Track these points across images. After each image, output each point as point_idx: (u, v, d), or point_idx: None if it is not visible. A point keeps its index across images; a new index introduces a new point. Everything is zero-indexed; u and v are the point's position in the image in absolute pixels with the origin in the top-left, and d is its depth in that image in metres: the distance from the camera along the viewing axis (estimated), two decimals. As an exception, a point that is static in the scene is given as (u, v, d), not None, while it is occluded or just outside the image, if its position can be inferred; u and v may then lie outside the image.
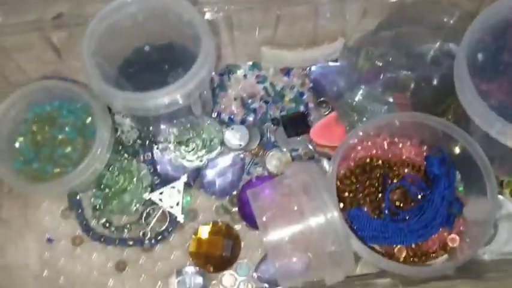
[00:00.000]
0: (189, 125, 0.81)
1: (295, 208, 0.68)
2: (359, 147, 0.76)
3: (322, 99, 0.87)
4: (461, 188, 0.75)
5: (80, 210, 0.81)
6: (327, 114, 0.86)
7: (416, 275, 0.67)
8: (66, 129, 0.77)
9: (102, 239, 0.79)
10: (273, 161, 0.83)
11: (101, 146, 0.74)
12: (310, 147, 0.84)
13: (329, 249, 0.64)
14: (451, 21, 0.79)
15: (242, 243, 0.80)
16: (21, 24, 0.77)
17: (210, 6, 0.78)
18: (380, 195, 0.74)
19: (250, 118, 0.87)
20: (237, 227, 0.81)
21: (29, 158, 0.76)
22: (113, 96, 0.67)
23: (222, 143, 0.83)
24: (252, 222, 0.80)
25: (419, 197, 0.72)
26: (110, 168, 0.79)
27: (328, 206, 0.64)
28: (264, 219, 0.68)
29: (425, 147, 0.77)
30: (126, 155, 0.82)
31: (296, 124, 0.85)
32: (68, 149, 0.76)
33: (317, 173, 0.69)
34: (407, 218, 0.71)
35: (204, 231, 0.80)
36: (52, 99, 0.79)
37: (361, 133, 0.72)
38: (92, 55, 0.69)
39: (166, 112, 0.68)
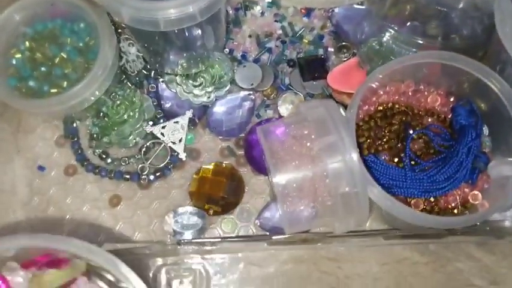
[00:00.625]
0: (198, 58, 0.75)
1: (309, 152, 0.62)
2: (381, 92, 0.71)
3: (343, 43, 0.80)
4: (488, 143, 0.69)
5: (75, 139, 0.75)
6: (347, 60, 0.79)
7: (439, 226, 0.61)
8: (67, 48, 0.71)
9: (97, 171, 0.74)
10: (286, 104, 0.77)
11: (103, 67, 0.68)
12: (327, 93, 0.78)
13: (342, 191, 0.59)
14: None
15: (246, 188, 0.74)
16: None
17: None
18: (400, 143, 0.68)
19: (265, 57, 0.80)
20: (242, 170, 0.75)
21: (25, 75, 0.70)
22: (121, 3, 0.60)
23: (233, 80, 0.78)
24: (258, 166, 0.75)
25: (443, 148, 0.66)
26: (111, 96, 0.73)
27: (346, 144, 0.59)
28: (275, 160, 0.63)
29: (452, 98, 0.71)
30: (129, 85, 0.76)
31: (313, 68, 0.79)
32: (68, 69, 0.70)
33: (334, 108, 0.63)
34: (427, 168, 0.65)
35: (207, 171, 0.74)
36: (55, 16, 0.73)
37: (385, 73, 0.66)
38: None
39: (179, 29, 0.62)
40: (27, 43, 0.72)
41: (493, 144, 0.69)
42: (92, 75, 0.67)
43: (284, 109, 0.77)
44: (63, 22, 0.73)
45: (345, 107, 0.76)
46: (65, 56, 0.71)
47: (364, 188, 0.59)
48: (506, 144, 0.67)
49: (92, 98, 0.69)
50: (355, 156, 0.58)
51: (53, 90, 0.70)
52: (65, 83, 0.70)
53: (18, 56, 0.72)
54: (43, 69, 0.70)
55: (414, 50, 0.72)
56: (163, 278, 0.60)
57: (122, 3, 0.60)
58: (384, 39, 0.74)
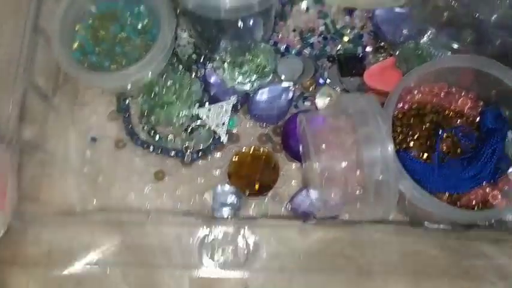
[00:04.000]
0: (246, 47, 0.81)
1: (345, 145, 0.67)
2: (415, 91, 0.75)
3: (381, 44, 0.85)
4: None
5: (127, 115, 0.81)
6: (384, 60, 0.84)
7: (463, 218, 0.66)
8: (127, 28, 0.77)
9: (145, 146, 0.79)
10: (323, 98, 0.82)
11: (161, 49, 0.73)
12: (363, 90, 0.83)
13: (376, 178, 0.64)
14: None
15: (281, 173, 0.79)
16: None
17: None
18: (429, 142, 0.73)
19: (307, 51, 0.85)
20: (277, 156, 0.80)
21: (88, 50, 0.76)
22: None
23: (275, 71, 0.83)
24: (293, 154, 0.80)
25: (470, 148, 0.71)
26: (163, 77, 0.79)
27: (383, 134, 0.63)
28: (314, 145, 0.67)
29: (481, 103, 0.75)
30: (180, 68, 0.82)
31: (352, 64, 0.84)
32: (128, 47, 0.76)
33: (374, 102, 0.68)
34: (454, 166, 0.70)
35: (246, 154, 0.79)
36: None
37: (421, 74, 0.71)
38: None
39: (233, 19, 0.66)
40: (91, 20, 0.77)
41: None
42: (151, 55, 0.72)
43: (321, 102, 0.82)
44: (125, 4, 0.79)
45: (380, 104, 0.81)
46: (125, 36, 0.77)
47: (396, 178, 0.64)
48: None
49: (149, 77, 0.74)
50: (390, 147, 0.63)
51: (113, 66, 0.76)
52: (124, 60, 0.76)
53: (83, 31, 0.77)
54: (104, 46, 0.76)
55: (449, 53, 0.76)
56: (206, 246, 0.66)
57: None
58: (421, 41, 0.78)
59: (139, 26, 0.77)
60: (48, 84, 0.76)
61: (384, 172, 0.63)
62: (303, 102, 0.83)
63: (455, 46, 0.75)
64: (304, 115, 0.71)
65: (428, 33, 0.78)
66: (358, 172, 0.66)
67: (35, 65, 0.72)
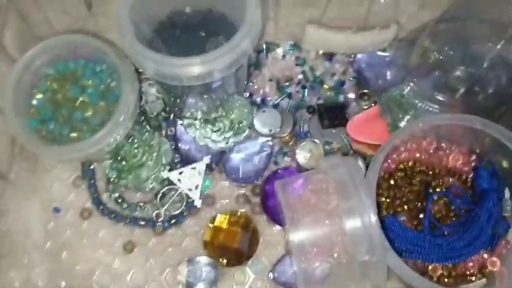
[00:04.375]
0: (218, 103, 0.75)
1: (327, 207, 0.62)
2: (402, 149, 0.70)
3: (364, 91, 0.80)
4: (509, 207, 0.67)
5: (92, 181, 0.75)
6: (368, 108, 0.79)
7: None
8: (89, 90, 0.71)
9: (113, 215, 0.74)
10: (304, 153, 0.76)
11: (125, 112, 0.67)
12: (346, 142, 0.77)
13: (361, 258, 0.58)
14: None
15: (261, 239, 0.73)
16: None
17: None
18: (419, 204, 0.67)
19: (284, 102, 0.80)
20: (257, 219, 0.74)
21: (46, 117, 0.70)
22: (146, 57, 0.61)
23: (251, 126, 0.77)
24: (274, 216, 0.74)
25: (463, 211, 0.65)
26: (130, 140, 0.73)
27: (366, 209, 0.58)
28: (291, 214, 0.62)
29: (474, 157, 0.70)
30: (148, 127, 0.76)
31: (333, 115, 0.78)
32: (88, 113, 0.70)
33: (356, 168, 0.62)
34: (447, 233, 0.65)
35: (222, 220, 0.73)
36: (77, 57, 0.73)
37: (407, 133, 0.65)
38: (129, 11, 0.63)
39: (199, 84, 0.61)
40: (48, 83, 0.72)
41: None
42: (114, 121, 0.66)
43: (302, 157, 0.76)
44: (85, 63, 0.73)
45: (364, 158, 0.76)
46: (86, 99, 0.71)
47: (383, 257, 0.58)
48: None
49: (112, 145, 0.68)
50: (375, 223, 0.57)
51: (72, 134, 0.70)
52: (85, 127, 0.70)
53: (40, 96, 0.72)
54: (64, 111, 0.70)
55: (436, 106, 0.71)
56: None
57: (147, 57, 0.60)
58: (405, 92, 0.73)
59: (101, 87, 0.71)
60: (3, 156, 0.70)
61: (369, 251, 0.57)
62: (283, 158, 0.78)
63: (441, 98, 0.70)
64: (280, 182, 0.65)
65: (412, 84, 0.72)
66: (345, 238, 0.60)
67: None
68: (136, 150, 0.74)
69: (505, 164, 0.67)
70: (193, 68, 0.60)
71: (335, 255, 0.61)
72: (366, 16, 0.78)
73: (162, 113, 0.77)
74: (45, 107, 0.70)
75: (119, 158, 0.74)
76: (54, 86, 0.72)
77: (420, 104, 0.71)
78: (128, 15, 0.63)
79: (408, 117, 0.74)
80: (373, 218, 0.57)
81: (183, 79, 0.60)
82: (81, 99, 0.71)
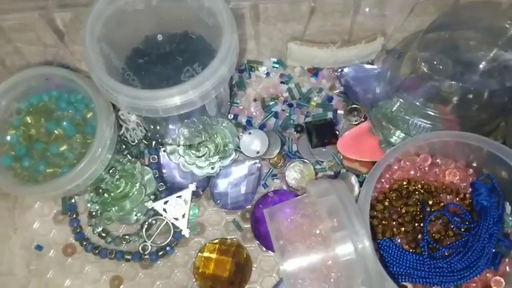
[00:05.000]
0: (201, 127, 0.72)
1: (318, 233, 0.58)
2: (395, 167, 0.67)
3: (353, 105, 0.76)
4: (511, 223, 0.64)
5: (74, 216, 0.72)
6: (358, 123, 0.76)
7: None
8: (64, 123, 0.68)
9: (97, 251, 0.70)
10: (294, 174, 0.73)
11: (102, 145, 0.64)
12: (337, 160, 0.74)
13: (358, 289, 0.55)
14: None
15: (254, 266, 0.70)
16: (22, 1, 0.68)
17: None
18: (417, 225, 0.64)
19: (271, 122, 0.77)
20: (249, 246, 0.71)
21: (20, 153, 0.67)
22: (118, 91, 0.57)
23: (238, 149, 0.74)
24: (266, 242, 0.71)
25: (463, 230, 0.62)
26: (111, 171, 0.70)
27: (360, 238, 0.55)
28: (281, 243, 0.59)
29: (471, 171, 0.67)
30: (129, 156, 0.73)
31: (322, 133, 0.75)
32: (64, 147, 0.67)
33: (346, 194, 0.59)
34: (447, 254, 0.61)
35: (211, 249, 0.70)
36: (50, 89, 0.70)
37: (400, 152, 0.62)
38: (97, 41, 0.60)
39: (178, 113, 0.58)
40: (22, 119, 0.69)
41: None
42: (90, 157, 0.63)
43: (292, 179, 0.73)
44: (59, 94, 0.70)
45: (357, 174, 0.73)
46: (61, 132, 0.68)
47: (381, 286, 0.55)
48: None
49: (91, 181, 0.65)
50: (370, 253, 0.54)
51: (49, 170, 0.66)
52: (62, 162, 0.67)
53: (13, 132, 0.69)
54: (38, 147, 0.67)
55: (428, 122, 0.68)
56: None
57: (118, 91, 0.56)
58: (394, 108, 0.70)
59: (78, 118, 0.68)
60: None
61: (366, 283, 0.54)
62: (273, 180, 0.75)
63: (432, 113, 0.67)
64: (267, 211, 0.62)
65: (402, 99, 0.69)
66: (337, 267, 0.57)
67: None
68: (118, 182, 0.71)
69: (504, 174, 0.64)
70: (169, 99, 0.56)
71: (332, 280, 0.58)
72: (350, 28, 0.75)
73: (144, 141, 0.74)
74: (19, 143, 0.68)
75: (101, 190, 0.71)
76: (27, 120, 0.69)
77: (411, 119, 0.68)
78: (96, 45, 0.60)
79: (399, 132, 0.71)
80: (368, 249, 0.54)
81: (159, 111, 0.57)
82: (56, 132, 0.68)
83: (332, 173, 0.74)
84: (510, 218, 0.64)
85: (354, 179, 0.72)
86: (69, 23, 0.70)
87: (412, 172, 0.66)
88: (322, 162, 0.75)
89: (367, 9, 0.73)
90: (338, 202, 0.58)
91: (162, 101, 0.56)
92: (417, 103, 0.68)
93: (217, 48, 0.59)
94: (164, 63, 0.63)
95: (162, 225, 0.71)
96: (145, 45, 0.65)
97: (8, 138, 0.68)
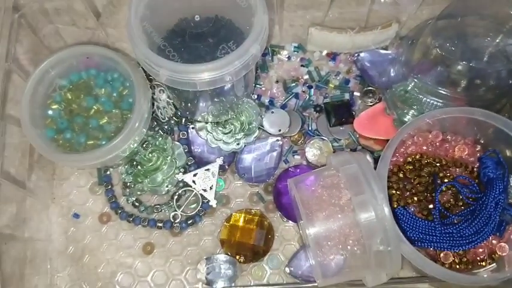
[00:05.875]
0: (228, 105, 0.77)
1: (339, 201, 0.64)
2: (409, 142, 0.72)
3: (369, 88, 0.82)
4: (515, 194, 0.70)
5: (109, 187, 0.77)
6: (373, 104, 0.81)
7: (465, 283, 0.63)
8: (102, 99, 0.73)
9: (131, 219, 0.76)
10: (313, 150, 0.79)
11: (139, 119, 0.69)
12: (353, 138, 0.79)
13: (376, 249, 0.60)
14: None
15: (276, 235, 0.75)
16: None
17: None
18: (428, 195, 0.69)
19: (292, 103, 0.82)
20: (271, 216, 0.76)
21: (62, 127, 0.72)
22: (159, 65, 0.62)
23: (261, 127, 0.79)
24: (287, 213, 0.76)
25: (471, 200, 0.68)
26: (144, 145, 0.75)
27: (379, 202, 0.60)
28: (306, 210, 0.64)
29: (479, 147, 0.72)
30: (160, 132, 0.78)
31: (340, 113, 0.80)
32: (103, 121, 0.72)
33: (366, 163, 0.64)
34: (456, 221, 0.67)
35: (237, 219, 0.76)
36: (89, 67, 0.75)
37: (413, 128, 0.68)
38: (140, 20, 0.65)
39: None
40: (63, 94, 0.73)
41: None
42: (128, 130, 0.68)
43: (311, 155, 0.79)
44: (97, 72, 0.75)
45: (372, 152, 0.78)
46: (100, 108, 0.73)
47: (397, 247, 0.61)
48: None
49: (127, 152, 0.70)
50: (388, 215, 0.59)
51: (89, 142, 0.71)
52: (101, 134, 0.72)
53: (55, 107, 0.73)
54: (79, 120, 0.72)
55: (440, 100, 0.73)
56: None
57: (160, 65, 0.62)
58: (409, 88, 0.75)
59: (115, 95, 0.73)
60: (22, 166, 0.72)
61: (384, 242, 0.60)
62: (293, 156, 0.80)
63: (443, 92, 0.72)
64: (293, 180, 0.67)
65: (416, 80, 0.74)
66: (357, 230, 0.62)
67: (4, 151, 0.67)
68: (150, 155, 0.76)
69: (508, 152, 0.70)
70: (205, 73, 0.62)
71: (348, 247, 0.63)
72: (367, 16, 0.81)
73: (174, 118, 0.79)
74: (60, 117, 0.72)
75: (134, 163, 0.76)
76: (68, 96, 0.74)
77: (424, 98, 0.73)
78: (140, 24, 0.65)
79: (413, 111, 0.76)
80: (387, 211, 0.60)
81: (196, 84, 0.62)
82: (95, 108, 0.73)
83: (349, 150, 0.80)
84: (514, 190, 0.70)
85: (369, 156, 0.78)
86: (107, 4, 0.76)
87: (425, 147, 0.71)
88: (340, 140, 0.80)
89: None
90: (359, 170, 0.63)
91: (199, 75, 0.62)
92: (430, 84, 0.74)
93: (245, 31, 0.64)
94: (201, 41, 0.68)
95: (192, 196, 0.77)
96: (184, 25, 0.70)
97: (50, 112, 0.73)
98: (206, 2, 0.70)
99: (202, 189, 0.76)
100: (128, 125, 0.69)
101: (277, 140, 0.79)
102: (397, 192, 0.69)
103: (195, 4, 0.70)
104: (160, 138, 0.77)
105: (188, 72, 0.62)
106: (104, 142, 0.71)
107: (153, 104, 0.78)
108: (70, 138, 0.71)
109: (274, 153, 0.79)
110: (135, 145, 0.71)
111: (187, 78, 0.62)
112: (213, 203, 0.76)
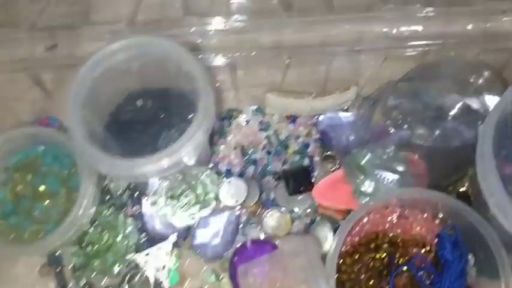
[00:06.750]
0: (181, 177, 0.75)
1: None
2: (365, 219, 0.70)
3: (328, 153, 0.79)
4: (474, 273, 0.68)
5: (59, 268, 0.75)
6: (334, 170, 0.78)
7: None
8: (49, 179, 0.71)
9: (82, 303, 0.73)
10: (271, 222, 0.76)
11: (85, 203, 0.68)
12: (313, 207, 0.77)
13: None
14: (479, 82, 0.72)
15: (234, 316, 0.73)
16: (10, 62, 0.72)
17: (215, 52, 0.72)
18: (383, 279, 0.67)
19: (250, 170, 0.79)
20: (228, 295, 0.74)
21: (7, 211, 0.70)
22: (98, 159, 0.60)
23: (217, 197, 0.77)
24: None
25: (428, 282, 0.66)
26: (95, 223, 0.73)
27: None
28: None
29: (437, 221, 0.70)
30: (112, 208, 0.76)
31: (299, 180, 0.77)
32: (49, 204, 0.70)
33: (315, 255, 0.63)
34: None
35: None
36: (36, 144, 0.73)
37: (368, 210, 0.66)
38: (81, 107, 0.63)
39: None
40: (10, 176, 0.72)
41: (478, 269, 0.67)
42: (74, 215, 0.67)
43: (269, 227, 0.76)
44: (45, 149, 0.73)
45: (332, 222, 0.76)
46: (46, 189, 0.71)
47: None
48: (490, 269, 0.65)
49: (76, 235, 0.68)
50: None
51: (33, 228, 0.70)
52: (47, 218, 0.70)
53: (1, 189, 0.71)
54: (25, 203, 0.70)
55: (395, 176, 0.71)
56: None
57: (100, 160, 0.60)
58: (364, 161, 0.73)
59: (65, 173, 0.71)
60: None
61: None
62: (251, 228, 0.77)
63: (401, 169, 0.70)
64: (244, 267, 0.65)
65: (371, 153, 0.72)
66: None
67: None
68: (101, 234, 0.74)
69: (468, 224, 0.67)
70: (147, 167, 0.60)
71: None
72: (325, 79, 0.78)
73: (127, 191, 0.77)
74: (6, 200, 0.70)
75: (84, 244, 0.74)
76: (15, 176, 0.72)
77: (379, 174, 0.71)
78: (80, 111, 0.63)
79: (369, 181, 0.73)
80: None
81: (139, 177, 0.60)
82: (41, 189, 0.70)
83: (308, 220, 0.77)
84: (473, 270, 0.67)
85: (328, 227, 0.75)
86: (54, 82, 0.74)
87: (381, 225, 0.69)
88: (298, 210, 0.78)
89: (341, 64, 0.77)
90: (307, 264, 0.61)
91: (140, 169, 0.59)
92: (385, 157, 0.72)
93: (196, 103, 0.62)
94: (143, 129, 0.66)
95: (144, 277, 0.74)
96: (125, 111, 0.68)
97: (-3, 196, 0.71)
98: (154, 79, 0.67)
99: (155, 269, 0.74)
100: (73, 211, 0.66)
101: (234, 212, 0.77)
102: (351, 276, 0.67)
103: (142, 80, 0.68)
104: (111, 216, 0.74)
105: (128, 166, 0.60)
106: (49, 226, 0.69)
107: (105, 177, 0.76)
108: (15, 224, 0.70)
109: (231, 226, 0.77)
110: (83, 229, 0.69)
111: (126, 172, 0.60)
112: (166, 283, 0.73)
